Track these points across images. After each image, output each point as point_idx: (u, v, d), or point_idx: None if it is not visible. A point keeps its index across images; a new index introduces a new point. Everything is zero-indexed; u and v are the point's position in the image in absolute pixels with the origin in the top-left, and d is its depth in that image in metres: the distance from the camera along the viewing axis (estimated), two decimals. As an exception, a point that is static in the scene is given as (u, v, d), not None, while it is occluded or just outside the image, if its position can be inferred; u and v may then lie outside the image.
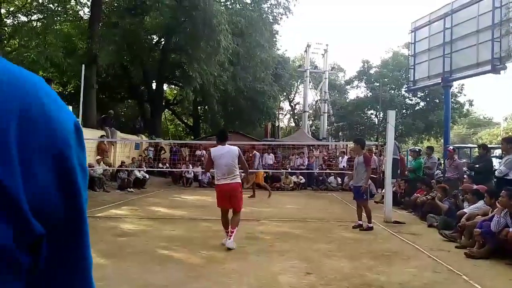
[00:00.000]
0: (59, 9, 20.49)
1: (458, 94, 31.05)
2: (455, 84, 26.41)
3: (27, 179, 0.48)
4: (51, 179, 0.51)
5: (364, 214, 7.77)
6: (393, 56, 34.82)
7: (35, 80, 0.53)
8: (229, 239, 5.73)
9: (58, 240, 0.53)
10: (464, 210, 7.24)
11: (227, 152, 5.86)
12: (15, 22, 19.80)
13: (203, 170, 13.88)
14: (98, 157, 14.10)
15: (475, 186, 7.91)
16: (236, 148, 5.98)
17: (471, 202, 7.42)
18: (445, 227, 7.35)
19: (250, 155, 17.39)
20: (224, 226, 5.96)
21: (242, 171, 6.58)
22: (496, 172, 7.93)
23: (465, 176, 10.06)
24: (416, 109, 33.42)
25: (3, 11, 18.87)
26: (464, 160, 18.13)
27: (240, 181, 6.00)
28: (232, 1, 23.10)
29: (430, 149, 12.08)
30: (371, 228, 7.54)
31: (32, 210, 0.48)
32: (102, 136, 14.94)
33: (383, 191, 9.87)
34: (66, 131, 0.54)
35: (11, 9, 20.13)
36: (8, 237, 0.46)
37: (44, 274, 0.52)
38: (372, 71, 35.65)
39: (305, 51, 30.58)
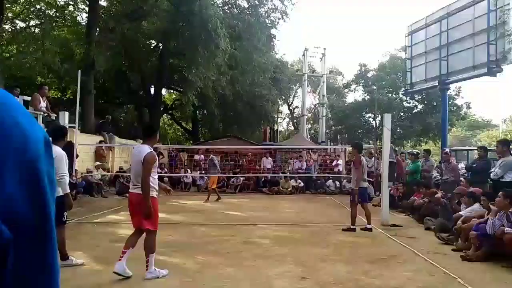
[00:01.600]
0: (57, 14, 20.58)
1: (456, 97, 31.04)
2: (452, 86, 26.50)
3: None
4: (20, 187, 0.53)
5: (373, 217, 8.05)
6: (390, 60, 34.88)
7: (5, 95, 0.56)
8: (147, 268, 4.61)
9: (24, 248, 0.54)
10: (460, 213, 7.24)
11: (137, 153, 4.66)
12: (13, 28, 19.86)
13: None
14: (97, 163, 14.11)
15: (471, 189, 7.91)
16: (146, 151, 4.53)
17: (467, 204, 7.43)
18: (442, 230, 7.34)
19: (249, 159, 17.46)
20: (125, 244, 4.72)
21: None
22: (491, 174, 7.95)
23: (461, 178, 10.08)
24: (413, 112, 33.44)
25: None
26: (463, 163, 18.16)
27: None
28: (230, 5, 23.20)
29: (427, 152, 12.10)
30: (353, 230, 7.72)
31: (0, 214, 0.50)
32: (100, 142, 14.96)
33: (381, 194, 9.87)
34: (36, 143, 0.57)
35: (10, 15, 20.20)
36: None
37: (9, 281, 0.54)
38: (369, 75, 35.72)
39: (303, 55, 30.64)
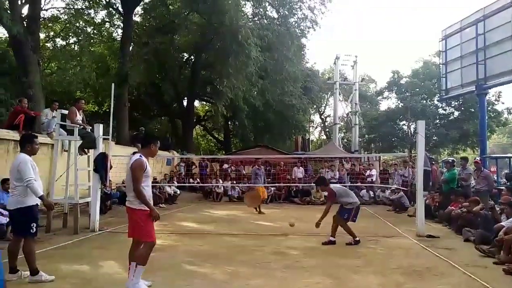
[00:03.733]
0: (94, 31, 21.47)
1: (496, 102, 29.85)
2: (492, 91, 25.51)
3: None
4: None
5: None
6: (423, 66, 34.07)
7: None
8: (128, 278, 4.34)
9: None
10: (502, 223, 6.87)
11: (129, 163, 4.45)
12: (53, 46, 20.84)
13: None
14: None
15: (513, 198, 7.51)
16: (134, 159, 4.38)
17: (510, 215, 7.05)
18: (482, 241, 7.00)
19: (281, 169, 17.34)
20: (129, 259, 4.46)
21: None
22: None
23: (503, 187, 9.62)
24: (450, 118, 32.40)
25: (43, 36, 19.94)
26: (506, 171, 17.34)
27: (135, 206, 4.29)
28: (260, 16, 23.40)
29: (465, 159, 11.60)
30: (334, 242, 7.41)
31: None
32: (134, 153, 15.30)
33: (416, 204, 9.55)
34: None
35: (51, 33, 21.26)
36: None
37: None
38: (402, 81, 34.99)
39: (334, 63, 30.45)
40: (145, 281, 4.54)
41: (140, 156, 4.40)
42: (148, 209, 4.27)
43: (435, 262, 6.06)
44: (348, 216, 7.52)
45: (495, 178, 15.79)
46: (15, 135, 9.30)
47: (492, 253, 6.36)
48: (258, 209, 12.45)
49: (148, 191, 4.40)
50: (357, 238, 7.44)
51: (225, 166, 17.93)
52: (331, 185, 7.95)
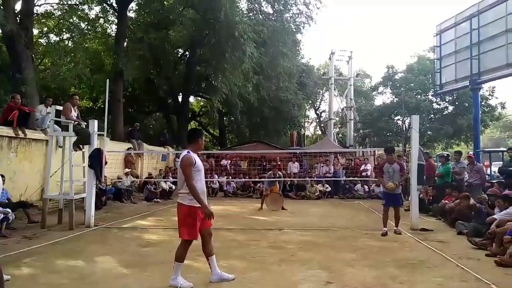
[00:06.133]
0: (89, 27, 21.28)
1: (489, 97, 30.07)
2: (486, 86, 25.66)
3: None
4: None
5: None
6: (418, 61, 34.23)
7: None
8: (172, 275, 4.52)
9: None
10: (494, 216, 6.96)
11: (179, 160, 4.61)
12: (47, 42, 20.67)
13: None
14: (127, 169, 14.44)
15: (506, 191, 7.60)
16: (182, 155, 4.49)
17: (501, 208, 7.14)
18: (475, 234, 7.08)
19: (277, 163, 17.37)
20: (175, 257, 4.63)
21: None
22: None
23: (494, 181, 9.72)
24: (444, 113, 32.61)
25: (36, 31, 19.74)
26: (497, 165, 17.50)
27: (185, 202, 4.40)
28: (255, 11, 23.34)
29: (459, 153, 11.70)
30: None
31: None
32: (129, 149, 15.30)
33: (410, 198, 9.63)
34: None
35: (44, 29, 21.07)
36: None
37: None
38: (397, 77, 35.13)
39: (329, 58, 30.47)
40: (186, 281, 4.53)
41: (188, 152, 4.46)
42: (200, 205, 4.33)
43: (428, 255, 6.13)
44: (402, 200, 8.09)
45: (488, 172, 15.93)
46: (9, 132, 9.27)
47: (484, 246, 6.45)
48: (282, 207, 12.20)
49: (199, 185, 4.44)
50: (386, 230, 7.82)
51: (224, 162, 17.92)
52: None
